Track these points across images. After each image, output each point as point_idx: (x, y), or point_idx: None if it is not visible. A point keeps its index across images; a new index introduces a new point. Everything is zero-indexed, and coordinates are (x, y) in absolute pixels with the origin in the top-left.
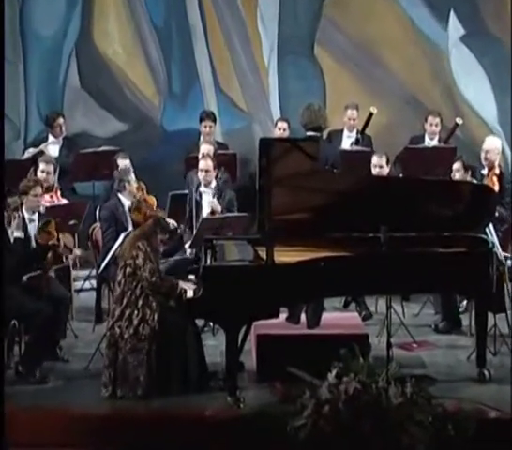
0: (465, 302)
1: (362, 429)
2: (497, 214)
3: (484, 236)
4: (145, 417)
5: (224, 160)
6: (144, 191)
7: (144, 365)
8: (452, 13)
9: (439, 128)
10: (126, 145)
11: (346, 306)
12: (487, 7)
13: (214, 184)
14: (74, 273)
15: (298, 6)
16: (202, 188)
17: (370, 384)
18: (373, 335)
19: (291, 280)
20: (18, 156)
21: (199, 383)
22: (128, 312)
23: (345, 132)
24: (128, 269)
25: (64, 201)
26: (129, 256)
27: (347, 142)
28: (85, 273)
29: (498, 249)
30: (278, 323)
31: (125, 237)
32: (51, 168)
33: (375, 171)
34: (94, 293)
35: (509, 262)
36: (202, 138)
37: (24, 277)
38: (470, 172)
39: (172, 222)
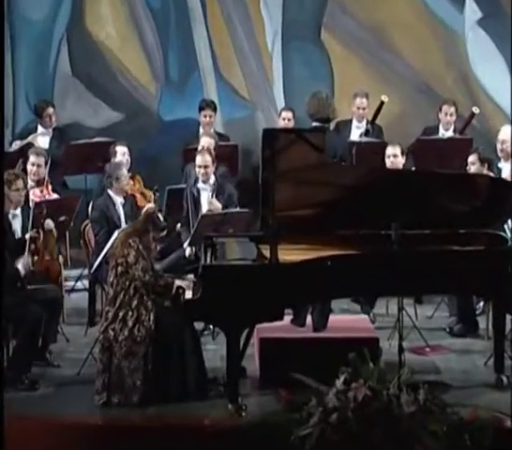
0: (482, 303)
1: (372, 439)
2: None
3: (502, 233)
4: (141, 426)
5: (225, 153)
6: (141, 184)
7: (140, 370)
8: None
9: (454, 118)
10: (120, 136)
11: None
12: None
13: (212, 180)
14: (65, 272)
15: None
16: (200, 185)
17: (381, 391)
18: (384, 338)
19: (296, 280)
20: (5, 148)
21: (198, 390)
22: (121, 313)
23: (354, 122)
24: (119, 268)
25: (55, 196)
26: (121, 254)
27: (356, 133)
28: (77, 272)
29: None
30: (282, 326)
31: (118, 234)
32: (42, 160)
33: (389, 161)
34: (86, 294)
35: None
36: (201, 128)
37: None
38: (487, 165)
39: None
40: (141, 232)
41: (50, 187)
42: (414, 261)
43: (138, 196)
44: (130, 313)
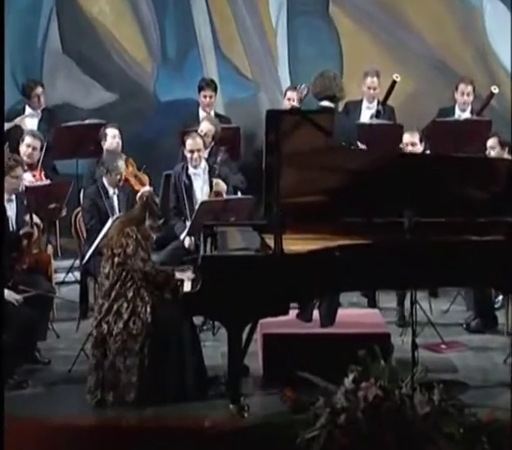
0: (501, 297)
1: (383, 442)
2: None
3: None
4: (137, 427)
5: (226, 136)
6: (135, 167)
7: (136, 367)
8: None
9: (471, 98)
10: (114, 118)
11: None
12: None
13: (204, 163)
14: (55, 263)
15: None
16: (191, 170)
17: (393, 391)
18: (396, 334)
19: (302, 272)
20: None
21: (197, 389)
22: (116, 306)
23: (364, 103)
24: (116, 259)
25: (48, 181)
26: (118, 245)
27: (366, 115)
28: (68, 263)
29: None
30: (287, 321)
31: (113, 222)
32: (38, 143)
33: (407, 150)
34: (77, 287)
35: None
36: (200, 110)
37: None
38: (507, 149)
39: None
40: (138, 221)
41: (43, 172)
42: (429, 251)
43: (132, 179)
44: (126, 305)
